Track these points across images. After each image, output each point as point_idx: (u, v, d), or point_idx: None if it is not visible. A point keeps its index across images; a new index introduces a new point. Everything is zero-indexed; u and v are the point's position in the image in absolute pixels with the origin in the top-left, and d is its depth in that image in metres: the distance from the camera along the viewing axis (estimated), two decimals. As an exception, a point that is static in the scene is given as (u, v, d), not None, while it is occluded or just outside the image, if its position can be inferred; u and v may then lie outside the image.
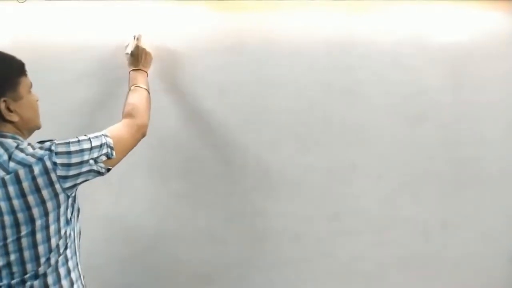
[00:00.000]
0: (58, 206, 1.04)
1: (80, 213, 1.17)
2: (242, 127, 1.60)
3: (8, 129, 1.06)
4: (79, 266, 1.15)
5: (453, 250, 1.68)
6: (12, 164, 1.00)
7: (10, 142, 1.04)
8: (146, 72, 1.46)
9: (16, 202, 0.99)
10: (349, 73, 1.61)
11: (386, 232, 1.66)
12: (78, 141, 1.09)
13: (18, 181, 0.99)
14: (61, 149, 1.05)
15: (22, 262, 1.02)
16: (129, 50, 1.46)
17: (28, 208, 1.00)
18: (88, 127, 1.50)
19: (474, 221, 1.68)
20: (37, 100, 1.14)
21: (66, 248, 1.09)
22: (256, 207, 1.62)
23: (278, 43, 1.58)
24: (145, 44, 1.48)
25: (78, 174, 1.07)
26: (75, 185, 1.08)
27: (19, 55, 1.09)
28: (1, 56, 1.06)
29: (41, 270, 1.04)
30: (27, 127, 1.10)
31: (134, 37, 1.49)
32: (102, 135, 1.14)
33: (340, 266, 1.66)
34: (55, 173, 1.02)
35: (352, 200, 1.64)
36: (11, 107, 1.05)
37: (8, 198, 0.99)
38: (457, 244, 1.68)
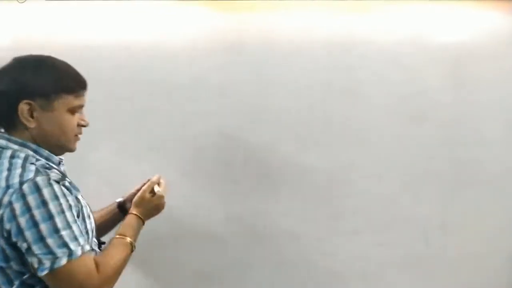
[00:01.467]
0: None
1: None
2: (242, 127, 1.60)
3: (20, 135, 0.98)
4: None
5: (453, 250, 1.68)
6: None
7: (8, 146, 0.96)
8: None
9: None
10: (349, 73, 1.60)
11: (386, 232, 1.65)
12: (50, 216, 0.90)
13: None
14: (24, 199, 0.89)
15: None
16: (158, 190, 1.23)
17: None
18: (88, 127, 1.51)
19: (474, 221, 1.68)
20: (81, 125, 1.07)
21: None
22: (256, 207, 1.62)
23: (278, 43, 1.58)
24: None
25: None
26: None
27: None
28: (57, 66, 1.02)
29: None
30: (45, 141, 1.00)
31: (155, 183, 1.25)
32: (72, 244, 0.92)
33: (340, 266, 1.66)
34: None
35: (352, 200, 1.64)
36: (34, 114, 0.97)
37: None
38: (457, 244, 1.68)
